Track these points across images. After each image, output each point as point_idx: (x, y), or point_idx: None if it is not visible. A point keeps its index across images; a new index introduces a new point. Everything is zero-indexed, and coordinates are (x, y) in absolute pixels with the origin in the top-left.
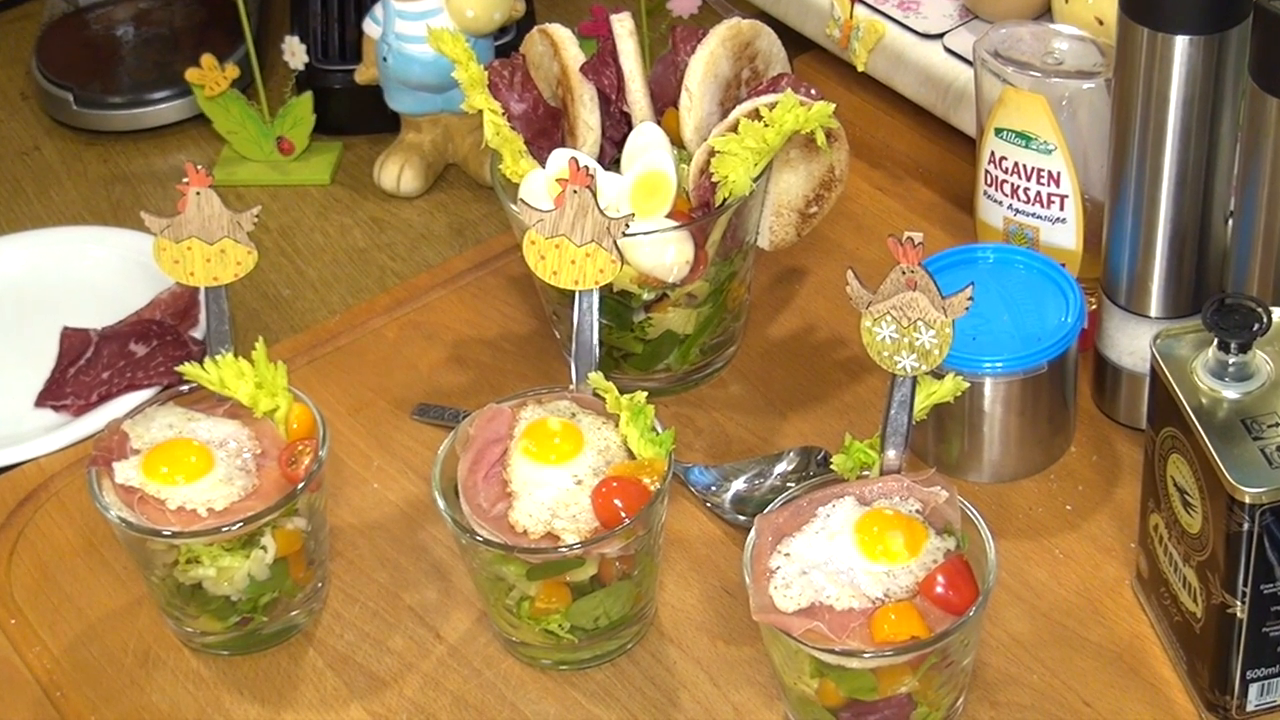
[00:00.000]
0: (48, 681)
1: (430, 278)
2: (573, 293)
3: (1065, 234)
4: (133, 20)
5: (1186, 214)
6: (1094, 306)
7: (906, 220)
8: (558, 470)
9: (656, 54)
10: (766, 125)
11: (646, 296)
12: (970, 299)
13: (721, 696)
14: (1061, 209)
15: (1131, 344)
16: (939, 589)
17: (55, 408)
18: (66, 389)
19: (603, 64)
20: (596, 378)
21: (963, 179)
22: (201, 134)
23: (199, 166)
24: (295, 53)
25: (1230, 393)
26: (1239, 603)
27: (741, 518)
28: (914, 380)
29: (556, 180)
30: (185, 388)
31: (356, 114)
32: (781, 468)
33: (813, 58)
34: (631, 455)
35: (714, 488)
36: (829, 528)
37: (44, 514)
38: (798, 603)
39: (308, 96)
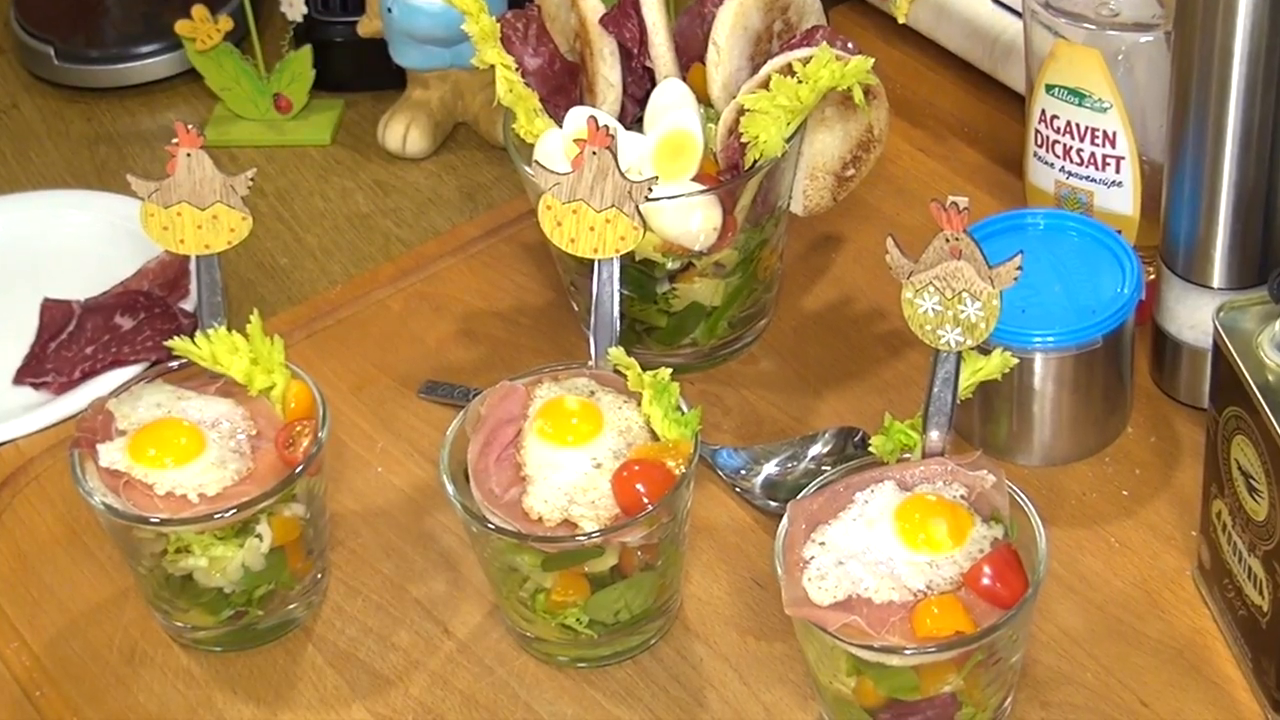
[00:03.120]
0: (27, 680)
1: (438, 245)
2: (591, 262)
3: (1121, 198)
4: None
5: (1252, 176)
6: (1152, 276)
7: (950, 183)
8: (575, 453)
9: (681, 5)
10: (800, 81)
11: (671, 266)
12: (1019, 268)
13: (751, 696)
14: (1117, 171)
15: (1192, 317)
16: (985, 580)
17: (35, 385)
18: (47, 365)
19: (624, 15)
20: (617, 353)
21: (1011, 139)
22: (192, 91)
23: (189, 126)
24: (293, 3)
25: None
26: None
27: (773, 504)
28: (959, 356)
29: (574, 141)
30: (175, 364)
31: (359, 69)
32: (816, 450)
33: (850, 9)
34: (655, 437)
35: (743, 471)
36: (867, 514)
37: (22, 500)
38: (833, 595)
39: (307, 50)
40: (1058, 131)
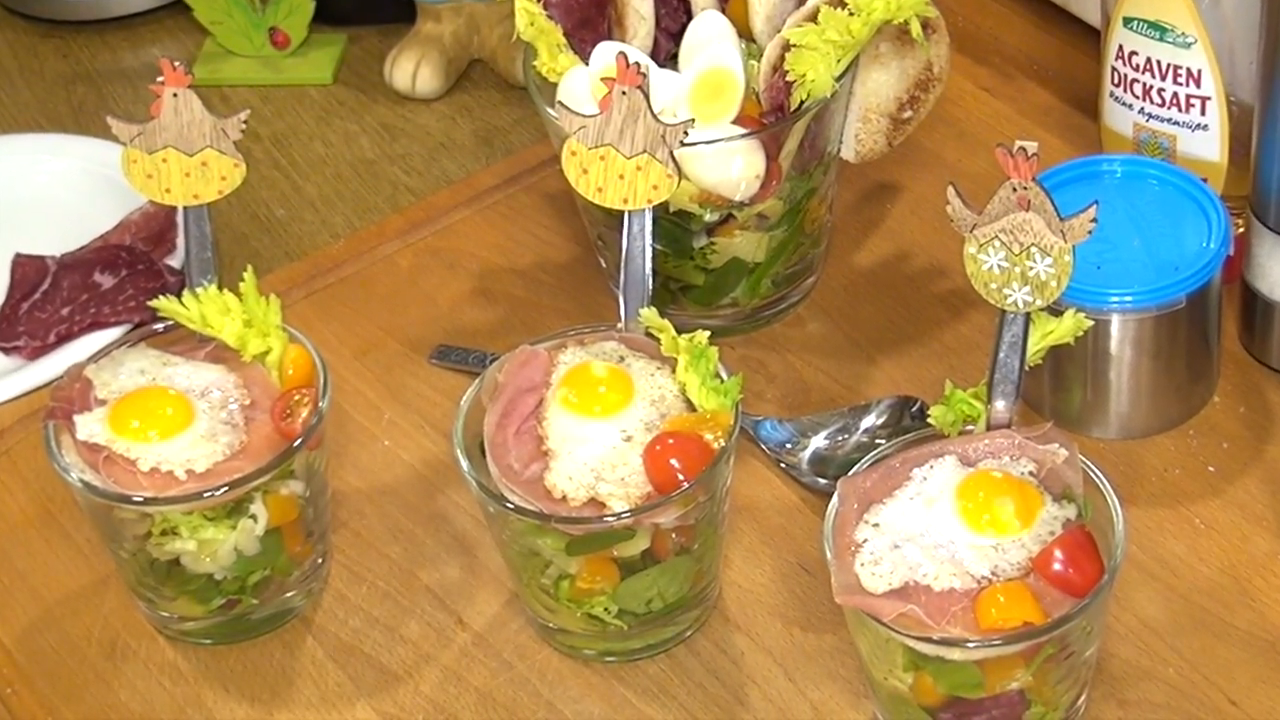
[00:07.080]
0: None
1: (451, 195)
2: (621, 214)
3: (1207, 143)
4: None
5: None
6: (1241, 229)
7: (1018, 127)
8: (603, 424)
9: None
10: (851, 14)
11: (709, 218)
12: (1094, 221)
13: (798, 693)
14: (1202, 113)
15: None
16: (1057, 566)
17: (5, 350)
18: (19, 327)
19: None
20: (649, 314)
21: (1085, 78)
22: (179, 24)
23: (176, 63)
24: None
25: None
26: None
27: (822, 481)
28: (1027, 317)
29: (602, 79)
30: (160, 326)
31: (364, 0)
32: (869, 422)
33: None
34: (691, 407)
35: (789, 445)
36: (926, 493)
37: None
38: (889, 582)
39: None
40: (1137, 69)
